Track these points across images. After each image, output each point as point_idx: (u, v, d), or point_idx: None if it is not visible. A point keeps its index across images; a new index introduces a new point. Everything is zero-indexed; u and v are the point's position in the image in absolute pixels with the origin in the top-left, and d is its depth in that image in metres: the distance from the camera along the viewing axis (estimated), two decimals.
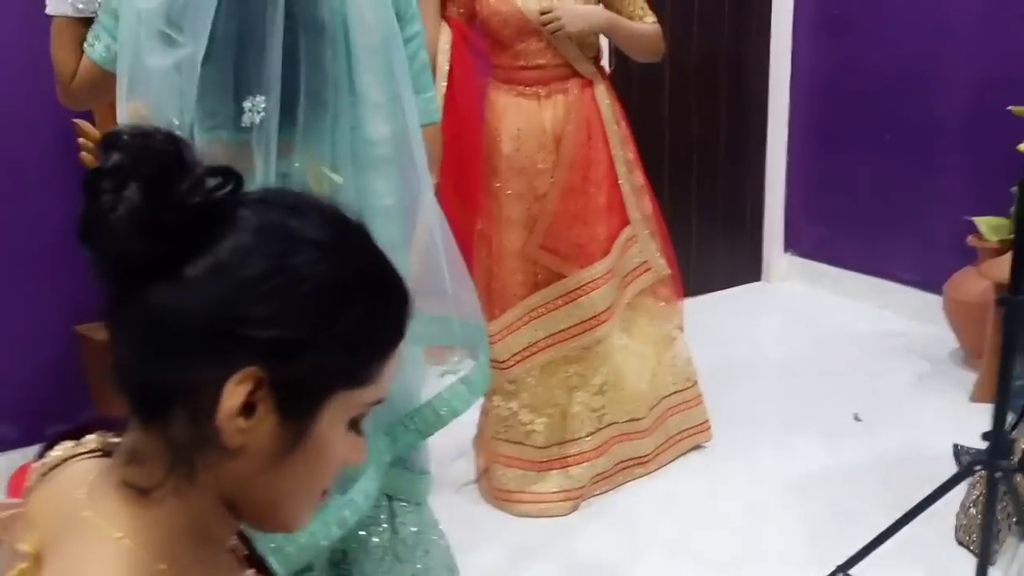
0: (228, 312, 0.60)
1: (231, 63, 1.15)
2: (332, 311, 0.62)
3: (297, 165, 1.21)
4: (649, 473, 2.46)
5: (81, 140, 2.12)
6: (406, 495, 1.38)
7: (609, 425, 2.36)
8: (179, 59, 1.13)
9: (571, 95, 2.21)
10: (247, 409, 0.60)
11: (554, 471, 2.33)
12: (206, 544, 0.65)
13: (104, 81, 1.30)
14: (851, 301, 3.66)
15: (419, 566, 1.40)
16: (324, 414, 0.63)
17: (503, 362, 2.28)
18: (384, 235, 1.24)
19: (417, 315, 1.30)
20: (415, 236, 1.31)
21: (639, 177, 2.37)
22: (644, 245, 2.38)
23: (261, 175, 1.15)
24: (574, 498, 2.33)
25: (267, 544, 1.14)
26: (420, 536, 1.41)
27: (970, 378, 2.89)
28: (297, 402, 0.62)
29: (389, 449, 1.31)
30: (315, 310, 0.62)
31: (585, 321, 2.28)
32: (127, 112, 1.21)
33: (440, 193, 2.13)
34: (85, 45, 1.31)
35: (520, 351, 2.29)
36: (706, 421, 2.57)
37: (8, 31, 2.31)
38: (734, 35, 3.67)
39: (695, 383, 2.53)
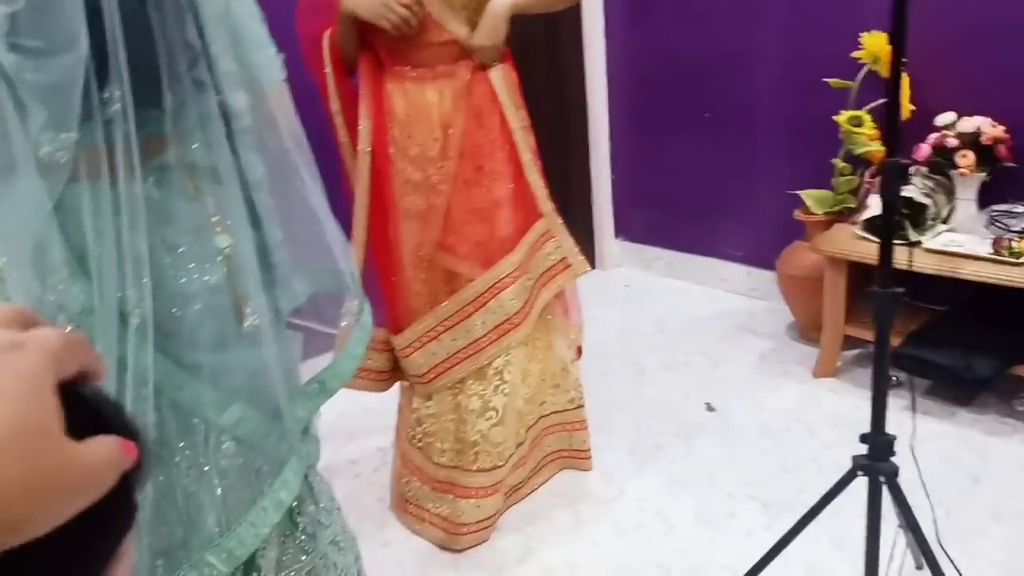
0: None
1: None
2: None
3: (170, 163, 1.08)
4: (519, 501, 2.27)
5: None
6: (313, 460, 1.32)
7: (506, 463, 2.13)
8: (64, 69, 0.98)
9: (459, 78, 1.95)
10: None
11: (447, 495, 2.11)
12: None
13: None
14: (686, 283, 3.64)
15: (339, 523, 1.39)
16: None
17: (423, 375, 2.07)
18: (261, 205, 1.15)
19: (303, 268, 1.19)
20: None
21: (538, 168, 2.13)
22: (562, 240, 2.17)
23: (125, 174, 1.02)
24: (458, 532, 2.10)
25: (210, 550, 1.14)
26: (330, 494, 1.39)
27: (811, 352, 2.90)
28: None
29: (305, 419, 1.27)
30: None
31: (500, 325, 2.04)
32: None
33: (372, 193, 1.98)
34: None
35: (440, 363, 2.05)
36: (588, 450, 2.38)
37: None
38: (546, 19, 3.51)
39: (582, 405, 2.35)
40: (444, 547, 2.12)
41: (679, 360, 3.00)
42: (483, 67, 1.98)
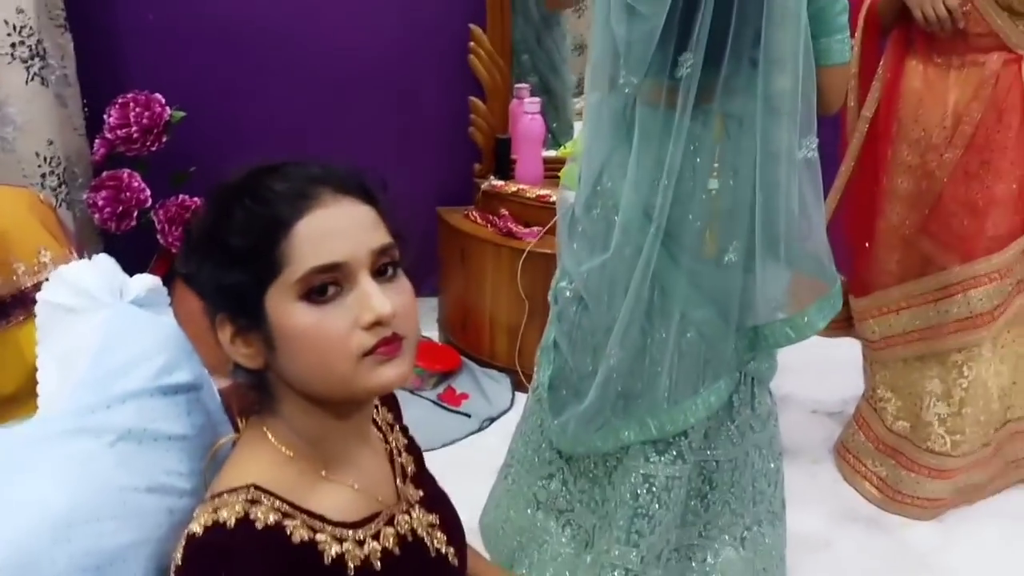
0: None
1: (675, 24, 1.31)
2: (203, 248, 0.82)
3: (713, 109, 1.38)
4: (972, 503, 2.23)
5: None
6: (761, 376, 1.61)
7: (962, 456, 2.13)
8: (643, 31, 1.33)
9: (987, 69, 1.92)
10: (235, 339, 0.82)
11: (890, 460, 2.21)
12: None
13: None
14: None
15: (768, 435, 1.66)
16: (269, 311, 0.79)
17: (873, 342, 2.21)
18: (773, 177, 1.35)
19: (794, 247, 1.39)
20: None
21: None
22: None
23: (678, 115, 1.35)
24: (894, 499, 2.19)
25: (650, 413, 1.52)
26: (770, 411, 1.66)
27: None
28: (246, 318, 0.81)
29: (747, 352, 1.55)
30: (196, 251, 0.83)
31: (959, 321, 2.05)
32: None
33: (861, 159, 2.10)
34: None
35: (894, 336, 2.16)
36: None
37: None
38: None
39: None
40: (878, 506, 2.20)
41: None
42: (1018, 59, 1.89)
